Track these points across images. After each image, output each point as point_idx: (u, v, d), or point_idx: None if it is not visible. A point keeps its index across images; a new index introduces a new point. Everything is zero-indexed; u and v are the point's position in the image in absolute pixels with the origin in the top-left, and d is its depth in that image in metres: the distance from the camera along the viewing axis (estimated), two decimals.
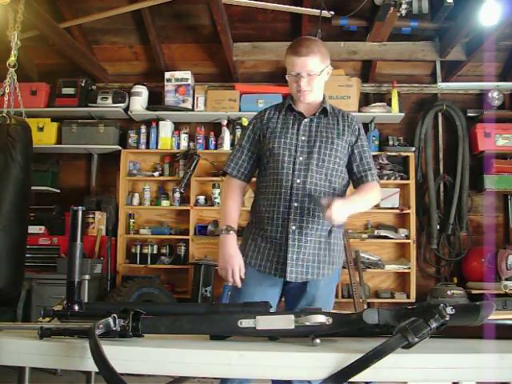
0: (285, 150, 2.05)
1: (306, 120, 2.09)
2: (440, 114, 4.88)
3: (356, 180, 2.13)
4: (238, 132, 4.79)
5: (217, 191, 4.78)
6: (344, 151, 2.10)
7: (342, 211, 1.87)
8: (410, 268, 4.60)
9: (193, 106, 4.87)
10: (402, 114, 4.77)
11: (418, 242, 4.70)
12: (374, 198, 2.11)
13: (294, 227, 2.00)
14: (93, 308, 1.39)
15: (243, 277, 2.00)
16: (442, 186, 4.84)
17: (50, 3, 4.39)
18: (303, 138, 2.06)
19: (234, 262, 2.00)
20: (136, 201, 4.88)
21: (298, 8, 4.34)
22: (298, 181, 2.01)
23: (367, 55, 4.73)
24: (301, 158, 2.03)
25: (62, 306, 1.34)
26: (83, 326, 1.13)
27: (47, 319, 1.32)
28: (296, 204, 2.00)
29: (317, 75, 2.04)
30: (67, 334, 1.15)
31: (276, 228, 2.03)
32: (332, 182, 2.07)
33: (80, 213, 1.38)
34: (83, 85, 4.88)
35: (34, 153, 3.33)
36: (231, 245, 2.03)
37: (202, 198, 4.82)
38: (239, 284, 2.00)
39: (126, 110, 4.90)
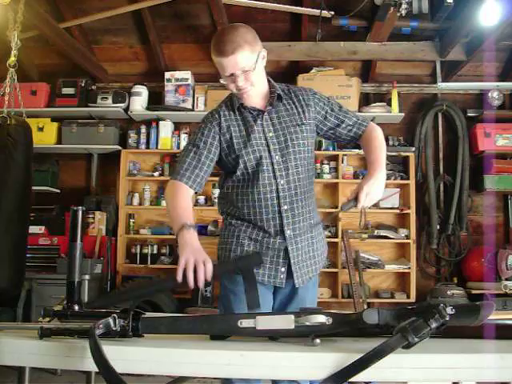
0: (260, 152, 1.89)
1: (265, 115, 1.93)
2: (440, 114, 4.88)
3: (354, 138, 2.06)
4: None
5: (217, 191, 4.77)
6: (313, 133, 1.99)
7: (376, 187, 1.79)
8: (409, 268, 4.60)
9: (193, 106, 4.87)
10: (402, 114, 4.77)
11: (418, 242, 4.70)
12: (381, 137, 2.05)
13: (289, 232, 1.89)
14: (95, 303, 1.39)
15: (209, 280, 1.63)
16: (442, 185, 4.84)
17: (50, 3, 4.39)
18: (270, 134, 1.91)
19: (205, 256, 1.61)
20: (136, 201, 4.88)
21: (298, 8, 4.34)
22: (282, 182, 1.89)
23: (367, 55, 4.73)
24: (277, 158, 1.90)
25: (61, 305, 1.34)
26: (83, 325, 1.13)
27: (47, 319, 1.33)
28: (286, 207, 1.89)
29: (252, 69, 1.83)
30: (67, 334, 1.15)
31: (269, 235, 1.90)
32: (310, 170, 1.99)
33: (80, 213, 1.38)
34: (83, 85, 4.88)
35: (34, 153, 3.33)
36: (197, 241, 1.67)
37: (202, 198, 4.82)
38: (201, 284, 1.63)
39: (126, 110, 4.90)
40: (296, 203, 1.91)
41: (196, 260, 1.58)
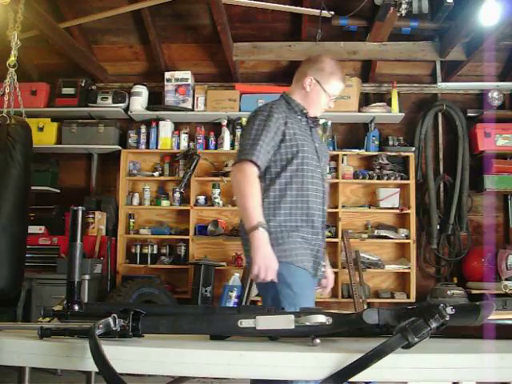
0: (313, 155, 2.13)
1: (312, 128, 2.23)
2: (440, 114, 4.88)
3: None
4: (238, 132, 4.79)
5: (217, 191, 4.78)
6: None
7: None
8: (409, 268, 4.60)
9: (193, 106, 4.87)
10: (402, 114, 4.77)
11: (418, 242, 4.70)
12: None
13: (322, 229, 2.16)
14: (92, 308, 1.39)
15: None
16: (442, 186, 4.84)
17: (50, 3, 4.39)
18: (317, 144, 2.19)
19: (274, 264, 1.90)
20: (136, 201, 4.88)
21: (298, 8, 4.34)
22: (326, 185, 2.19)
23: (367, 55, 4.73)
24: (321, 164, 2.18)
25: (61, 306, 1.34)
26: (83, 325, 1.13)
27: (47, 319, 1.33)
28: (325, 207, 2.16)
29: None
30: (67, 334, 1.15)
31: (317, 233, 2.10)
32: None
33: (80, 213, 1.38)
34: (83, 85, 4.88)
35: (34, 153, 3.33)
36: (268, 243, 1.91)
37: (202, 198, 4.82)
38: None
39: (126, 110, 4.90)
40: (325, 206, 2.18)
41: (266, 267, 1.88)
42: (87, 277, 4.09)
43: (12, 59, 3.31)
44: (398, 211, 4.72)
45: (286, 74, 4.92)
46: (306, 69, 2.19)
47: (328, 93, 2.18)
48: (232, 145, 4.83)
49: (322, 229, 2.13)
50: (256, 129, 2.03)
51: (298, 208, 2.05)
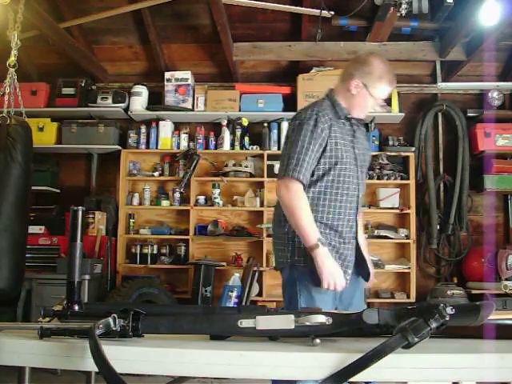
0: (351, 165, 2.12)
1: (357, 132, 2.20)
2: (440, 114, 4.88)
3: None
4: (238, 132, 4.79)
5: (217, 191, 4.78)
6: None
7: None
8: (409, 268, 4.60)
9: (193, 106, 4.87)
10: (402, 114, 4.77)
11: (418, 242, 4.70)
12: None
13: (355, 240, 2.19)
14: (92, 308, 1.39)
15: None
16: (442, 185, 4.84)
17: (50, 3, 4.39)
18: (357, 151, 2.16)
19: (341, 276, 2.02)
20: (136, 201, 4.88)
21: (297, 8, 4.34)
22: (360, 195, 2.18)
23: None
24: (359, 173, 2.16)
25: (61, 306, 1.34)
26: (83, 326, 1.13)
27: (47, 319, 1.32)
28: (357, 217, 2.18)
29: None
30: (67, 334, 1.15)
31: (344, 242, 2.13)
32: None
33: (80, 213, 1.38)
34: (83, 85, 4.88)
35: (34, 153, 3.33)
36: (330, 257, 2.02)
37: (202, 198, 4.82)
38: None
39: (126, 110, 4.90)
40: (358, 216, 2.19)
41: (335, 280, 2.00)
42: (87, 277, 4.08)
43: (12, 59, 3.30)
44: (398, 211, 4.71)
45: (286, 73, 4.92)
46: (353, 70, 2.13)
47: (375, 97, 2.13)
48: (232, 145, 4.83)
49: (353, 238, 2.15)
50: (302, 140, 2.04)
51: (329, 219, 2.09)
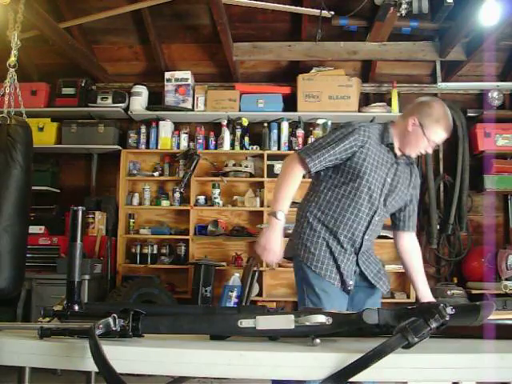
0: (376, 186, 2.12)
1: (401, 167, 2.22)
2: None
3: (397, 226, 2.42)
4: (238, 132, 4.79)
5: (217, 191, 4.78)
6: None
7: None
8: None
9: (193, 106, 4.87)
10: None
11: (418, 241, 4.69)
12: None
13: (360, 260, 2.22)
14: (92, 308, 1.39)
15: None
16: (442, 185, 4.84)
17: (50, 3, 4.39)
18: (389, 180, 2.17)
19: (275, 248, 2.02)
20: (136, 201, 4.88)
21: (297, 8, 4.34)
22: (377, 218, 2.17)
23: (367, 55, 4.73)
24: (383, 199, 2.16)
25: (61, 306, 1.34)
26: (83, 326, 1.13)
27: (47, 319, 1.33)
28: (367, 237, 2.18)
29: None
30: (67, 334, 1.15)
31: (345, 252, 2.15)
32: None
33: (80, 213, 1.38)
34: (83, 85, 4.88)
35: (34, 153, 3.32)
36: (280, 234, 2.03)
37: (201, 198, 4.81)
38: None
39: (126, 110, 4.90)
40: (371, 242, 2.25)
41: (267, 248, 2.01)
42: (87, 277, 4.08)
43: (12, 59, 3.30)
44: None
45: (286, 73, 4.92)
46: (415, 109, 2.17)
47: (428, 138, 2.13)
48: (232, 145, 4.83)
49: (354, 253, 2.18)
50: (333, 138, 2.10)
51: (334, 225, 2.13)
